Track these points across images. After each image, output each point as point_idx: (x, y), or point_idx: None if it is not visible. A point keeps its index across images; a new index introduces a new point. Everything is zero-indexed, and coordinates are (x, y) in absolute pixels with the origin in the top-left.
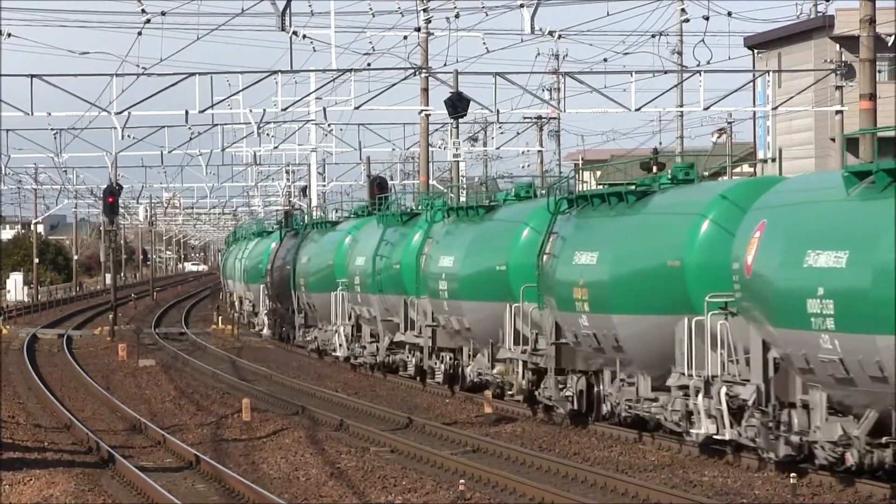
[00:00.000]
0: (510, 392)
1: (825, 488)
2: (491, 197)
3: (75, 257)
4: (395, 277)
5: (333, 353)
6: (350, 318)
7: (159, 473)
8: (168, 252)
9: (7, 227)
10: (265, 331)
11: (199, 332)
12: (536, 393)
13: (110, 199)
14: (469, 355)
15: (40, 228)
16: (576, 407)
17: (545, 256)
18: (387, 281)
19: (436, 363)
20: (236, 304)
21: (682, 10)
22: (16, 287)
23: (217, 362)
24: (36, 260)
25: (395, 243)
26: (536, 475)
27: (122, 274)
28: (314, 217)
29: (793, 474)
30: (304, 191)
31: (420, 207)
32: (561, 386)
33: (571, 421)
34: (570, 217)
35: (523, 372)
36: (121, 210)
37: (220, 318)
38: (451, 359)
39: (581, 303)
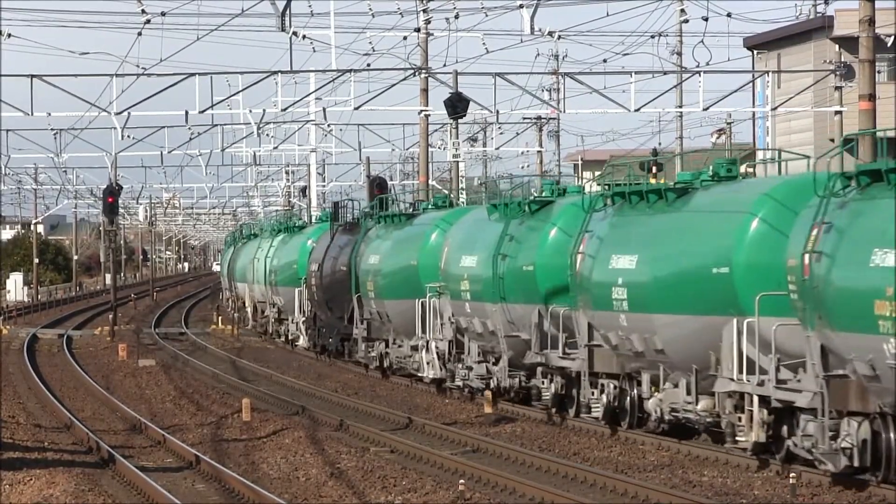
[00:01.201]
0: (741, 438)
1: (824, 488)
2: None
3: (75, 257)
4: (525, 282)
5: (416, 374)
6: (442, 332)
7: (159, 473)
8: (168, 252)
9: (7, 227)
10: (301, 342)
11: (199, 332)
12: (790, 442)
13: (110, 200)
14: (653, 385)
15: (40, 228)
16: (857, 463)
17: (812, 256)
18: (513, 287)
19: (593, 393)
20: (249, 310)
21: (682, 10)
22: (16, 287)
23: (217, 362)
24: (36, 260)
25: (522, 239)
26: (536, 475)
27: (121, 274)
28: (380, 208)
29: (792, 474)
30: (304, 191)
31: (546, 193)
32: (831, 433)
33: (840, 479)
34: (849, 202)
35: (758, 411)
36: (120, 210)
37: (219, 318)
38: (614, 388)
39: (889, 322)
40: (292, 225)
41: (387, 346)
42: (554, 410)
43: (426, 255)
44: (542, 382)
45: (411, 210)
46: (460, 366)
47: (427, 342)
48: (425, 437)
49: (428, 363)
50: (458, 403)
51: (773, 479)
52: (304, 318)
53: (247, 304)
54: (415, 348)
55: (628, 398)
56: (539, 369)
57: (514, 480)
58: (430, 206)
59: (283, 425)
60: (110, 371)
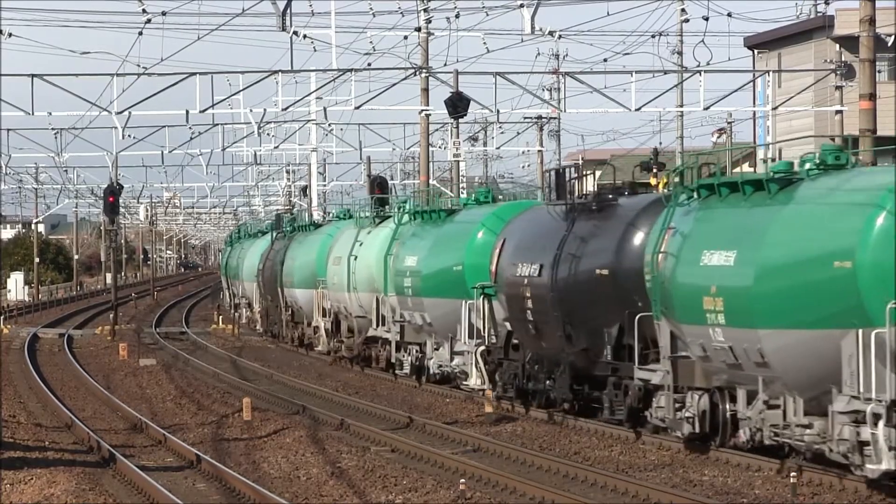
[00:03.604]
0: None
1: (825, 488)
2: None
3: (76, 257)
4: None
5: (842, 460)
6: None
7: (160, 473)
8: (168, 251)
9: (8, 226)
10: (472, 380)
11: (200, 332)
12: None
13: (111, 199)
14: None
15: (41, 228)
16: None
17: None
18: None
19: None
20: (321, 324)
21: (682, 10)
22: (16, 286)
23: (218, 362)
24: (36, 259)
25: None
26: (537, 475)
27: (122, 273)
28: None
29: (793, 473)
30: (305, 190)
31: None
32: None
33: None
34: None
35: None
36: (121, 210)
37: (220, 317)
38: None
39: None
40: (432, 209)
41: (725, 401)
42: None
43: (874, 250)
44: None
45: (785, 171)
46: None
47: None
48: (426, 436)
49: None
50: (459, 403)
51: (774, 478)
52: (482, 347)
53: (316, 320)
54: (817, 411)
55: None
56: None
57: (514, 480)
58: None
59: (283, 424)
60: (111, 370)
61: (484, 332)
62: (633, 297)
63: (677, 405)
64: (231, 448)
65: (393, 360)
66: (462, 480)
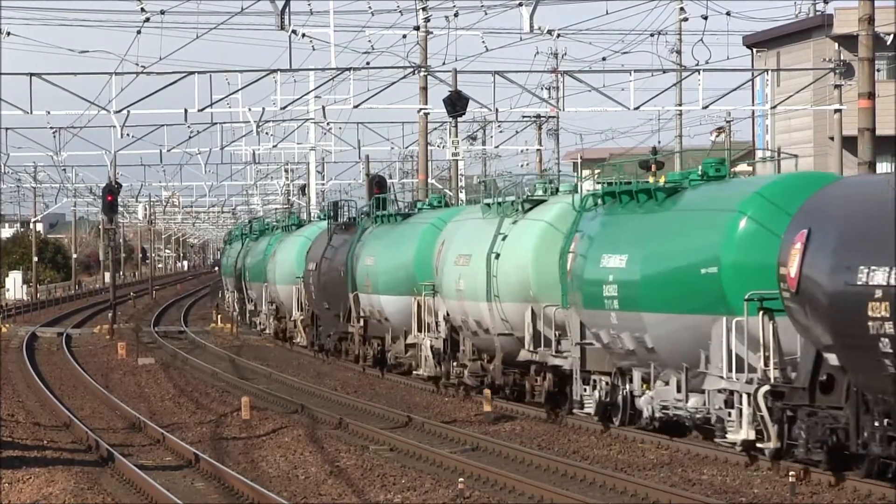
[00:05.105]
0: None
1: (824, 487)
2: None
3: (74, 256)
4: None
5: None
6: None
7: (159, 472)
8: (167, 251)
9: (6, 225)
10: (744, 433)
11: (199, 331)
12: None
13: (109, 198)
14: None
15: (39, 227)
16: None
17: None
18: None
19: None
20: (408, 346)
21: (681, 9)
22: (15, 285)
23: (216, 360)
24: (35, 258)
25: None
26: (536, 473)
27: (121, 272)
28: None
29: (791, 472)
30: (303, 189)
31: None
32: None
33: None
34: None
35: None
36: (120, 208)
37: (218, 316)
38: None
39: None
40: (640, 188)
41: None
42: None
43: None
44: None
45: None
46: None
47: None
48: (424, 435)
49: None
50: (458, 402)
51: (773, 477)
52: (765, 387)
53: (414, 336)
54: None
55: None
56: None
57: (513, 479)
58: None
59: (282, 423)
60: (109, 369)
61: (763, 363)
62: None
63: None
64: (230, 447)
65: (575, 397)
66: (461, 479)
